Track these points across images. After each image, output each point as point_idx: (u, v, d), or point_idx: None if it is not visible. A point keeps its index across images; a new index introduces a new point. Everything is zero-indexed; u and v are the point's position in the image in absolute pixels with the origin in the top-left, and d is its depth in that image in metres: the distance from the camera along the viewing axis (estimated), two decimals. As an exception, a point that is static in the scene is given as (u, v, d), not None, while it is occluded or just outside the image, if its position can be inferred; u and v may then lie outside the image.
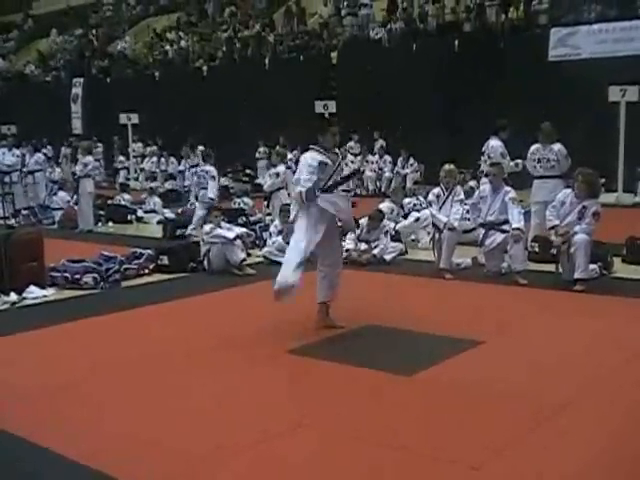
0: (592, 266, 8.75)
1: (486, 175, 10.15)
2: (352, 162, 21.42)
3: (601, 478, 4.11)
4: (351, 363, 6.02)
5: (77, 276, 9.26)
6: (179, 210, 15.82)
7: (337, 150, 7.21)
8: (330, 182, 6.84)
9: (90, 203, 15.00)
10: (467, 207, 9.87)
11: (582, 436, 4.58)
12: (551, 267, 9.05)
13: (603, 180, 12.03)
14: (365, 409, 5.12)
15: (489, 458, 4.24)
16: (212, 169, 12.99)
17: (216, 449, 4.49)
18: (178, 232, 13.21)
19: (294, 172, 8.15)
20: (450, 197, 9.76)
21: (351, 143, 21.67)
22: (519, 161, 10.80)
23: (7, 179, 16.24)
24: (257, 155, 23.69)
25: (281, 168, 13.32)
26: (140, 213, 16.38)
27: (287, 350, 6.40)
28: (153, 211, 16.47)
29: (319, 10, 25.58)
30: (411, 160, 20.43)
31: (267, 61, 24.70)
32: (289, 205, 8.24)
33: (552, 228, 8.77)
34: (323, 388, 5.60)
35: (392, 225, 11.28)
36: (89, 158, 15.06)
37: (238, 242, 9.96)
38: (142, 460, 4.38)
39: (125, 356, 6.45)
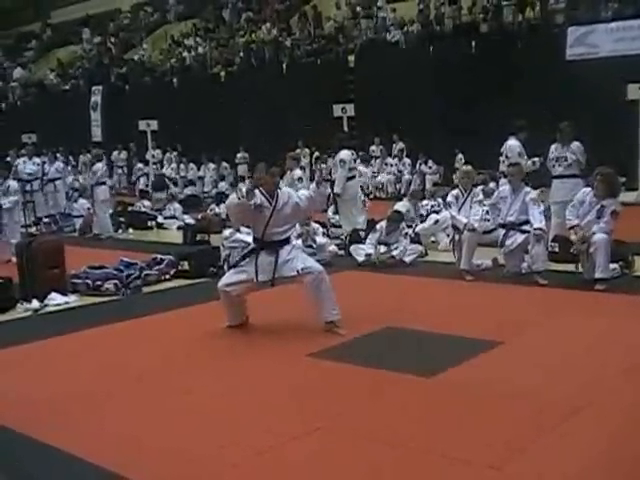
0: (613, 265, 8.71)
1: (505, 176, 10.14)
2: (371, 165, 21.49)
3: None
4: (371, 366, 6.00)
5: (98, 283, 9.35)
6: (199, 216, 15.88)
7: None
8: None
9: (105, 210, 15.08)
10: (486, 208, 9.85)
11: (599, 439, 4.55)
12: (571, 267, 9.02)
13: (623, 179, 11.97)
14: (384, 411, 5.10)
15: (505, 459, 4.23)
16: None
17: (219, 449, 4.52)
18: (198, 237, 13.25)
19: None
20: (469, 198, 9.75)
21: (373, 147, 21.71)
22: (536, 159, 10.78)
23: (28, 187, 16.33)
24: (236, 160, 23.86)
25: (297, 172, 13.24)
26: (160, 219, 16.50)
27: (306, 353, 6.41)
28: (173, 217, 16.57)
29: (334, 14, 25.59)
30: (430, 162, 20.42)
31: (284, 66, 24.75)
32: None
33: (572, 227, 8.73)
34: (340, 391, 5.58)
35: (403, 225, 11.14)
36: (98, 165, 15.20)
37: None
38: (155, 462, 4.41)
39: (145, 360, 6.49)
